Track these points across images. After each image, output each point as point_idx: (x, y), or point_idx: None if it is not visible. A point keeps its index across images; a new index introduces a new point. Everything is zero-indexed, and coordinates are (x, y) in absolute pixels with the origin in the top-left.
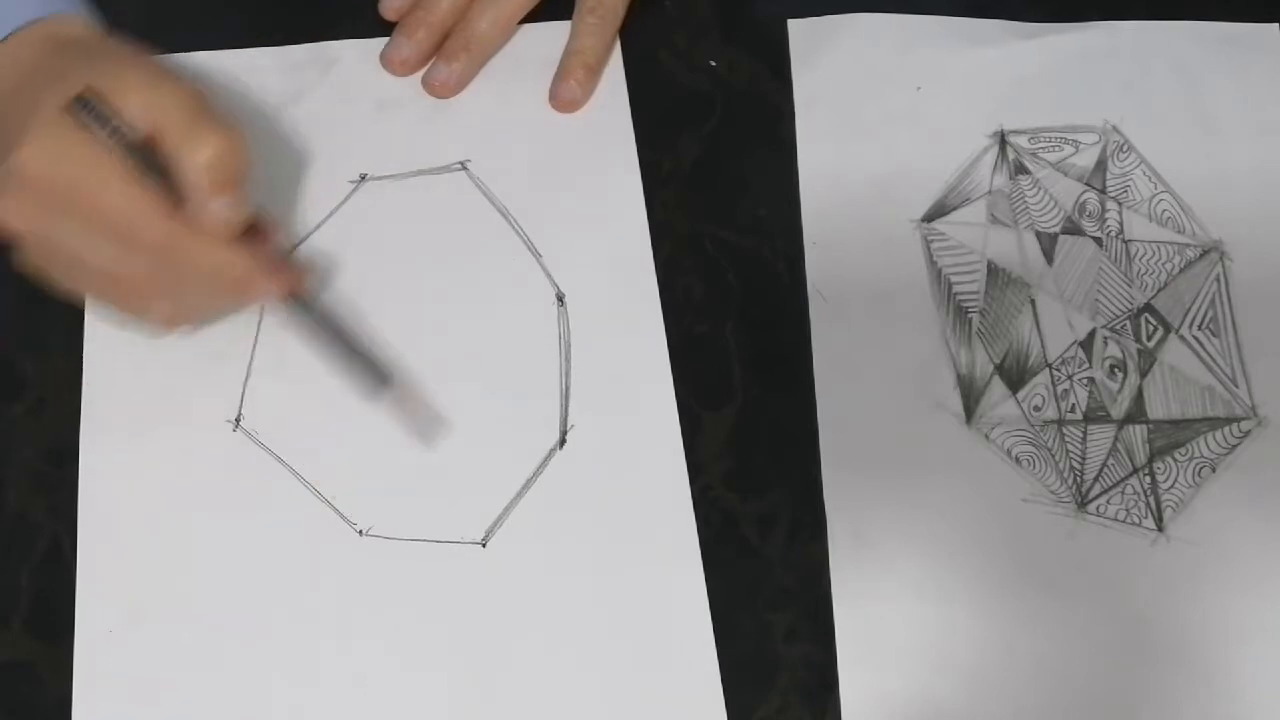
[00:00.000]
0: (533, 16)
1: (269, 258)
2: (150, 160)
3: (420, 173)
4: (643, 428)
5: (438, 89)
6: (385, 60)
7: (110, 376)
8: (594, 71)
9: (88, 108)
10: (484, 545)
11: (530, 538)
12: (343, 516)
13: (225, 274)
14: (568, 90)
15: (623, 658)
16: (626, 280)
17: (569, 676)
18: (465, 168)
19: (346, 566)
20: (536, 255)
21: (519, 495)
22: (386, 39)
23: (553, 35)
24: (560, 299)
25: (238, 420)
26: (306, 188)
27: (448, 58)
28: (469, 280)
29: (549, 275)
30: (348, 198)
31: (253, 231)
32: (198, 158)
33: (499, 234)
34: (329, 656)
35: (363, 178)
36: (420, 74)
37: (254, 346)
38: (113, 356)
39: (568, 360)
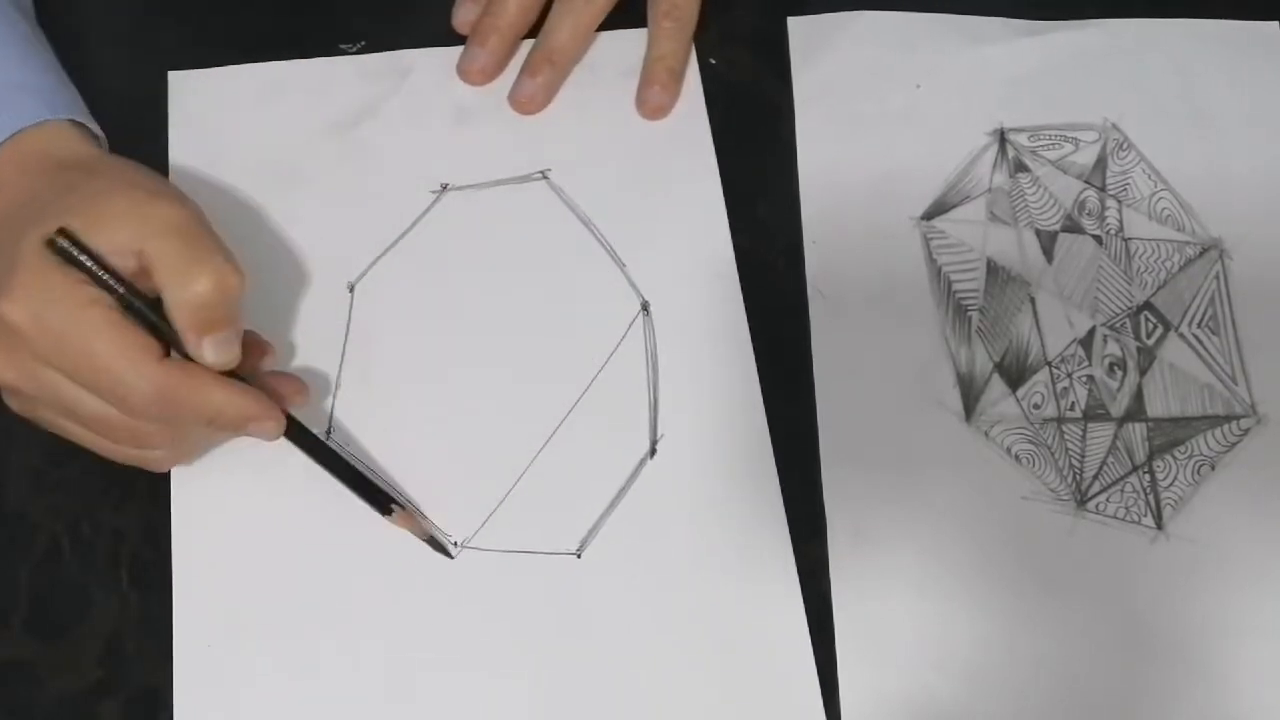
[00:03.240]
0: (605, 24)
1: (263, 392)
2: (139, 298)
3: (501, 182)
4: (732, 434)
5: (525, 104)
6: (462, 71)
7: None
8: (677, 76)
9: (69, 248)
10: (579, 556)
11: (624, 547)
12: (437, 529)
13: (222, 415)
14: (655, 96)
15: (720, 665)
16: (710, 287)
17: (667, 684)
18: (546, 177)
19: (443, 579)
20: (620, 264)
21: (612, 505)
22: (460, 47)
23: (625, 42)
24: (645, 308)
25: (328, 435)
26: (387, 199)
27: (531, 72)
28: (553, 291)
29: (633, 284)
30: (430, 208)
31: (247, 356)
32: (187, 296)
33: (581, 244)
34: (427, 669)
35: (444, 188)
36: (496, 81)
37: (341, 362)
38: None
39: (655, 369)
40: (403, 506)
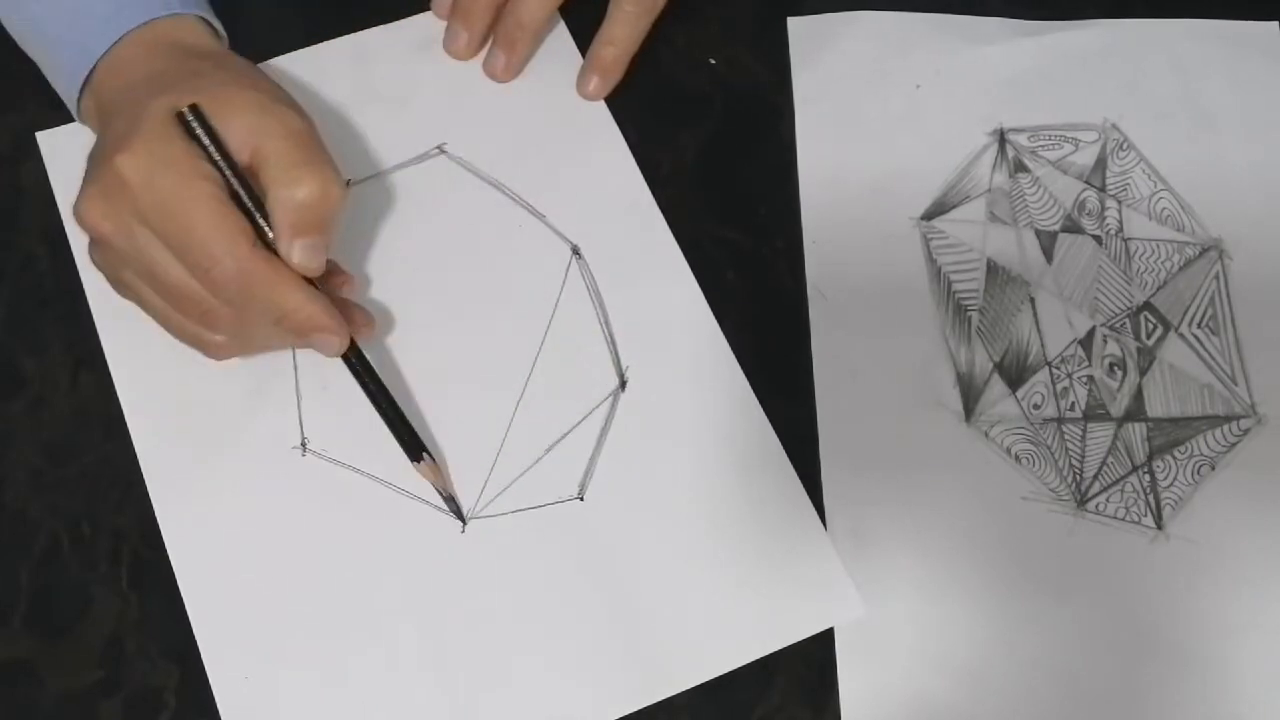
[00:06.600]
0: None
1: (336, 309)
2: (246, 188)
3: (401, 166)
4: (693, 351)
5: (500, 75)
6: (449, 49)
7: (160, 427)
8: (622, 63)
9: (194, 123)
10: (582, 499)
11: (622, 479)
12: (442, 510)
13: (292, 316)
14: (594, 85)
15: (739, 561)
16: (631, 218)
17: (694, 594)
18: (444, 151)
19: (462, 555)
20: (540, 216)
21: (599, 443)
22: (319, 44)
23: None
24: (576, 251)
25: (304, 445)
26: None
27: (504, 45)
28: (483, 256)
29: (558, 232)
30: None
31: (327, 279)
32: (291, 195)
33: (496, 205)
34: (461, 640)
35: (347, 183)
36: (369, 76)
37: (295, 375)
38: (155, 406)
39: (602, 306)
40: (433, 458)
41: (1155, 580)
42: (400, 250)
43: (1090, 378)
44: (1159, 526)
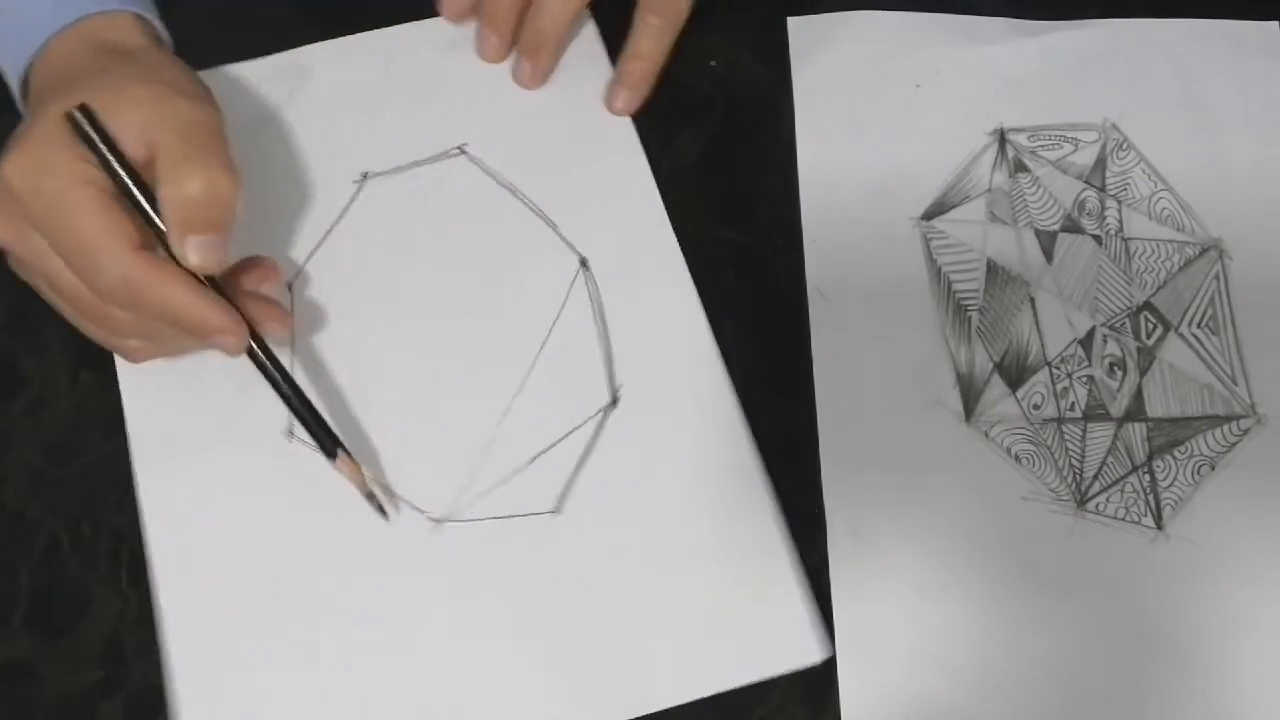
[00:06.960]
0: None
1: (232, 307)
2: (143, 185)
3: (420, 163)
4: (690, 374)
5: (527, 84)
6: (480, 53)
7: (152, 409)
8: (650, 78)
9: (81, 123)
10: (558, 513)
11: (601, 497)
12: (416, 509)
13: (183, 319)
14: (622, 101)
15: (706, 597)
16: (644, 235)
17: (658, 624)
18: (464, 151)
19: (429, 557)
20: (551, 225)
21: (583, 458)
22: (353, 35)
23: None
24: (584, 263)
25: (291, 430)
26: (310, 195)
27: (529, 55)
28: (491, 259)
29: (568, 242)
30: (354, 198)
31: (247, 273)
32: (179, 191)
33: (510, 209)
34: (425, 644)
35: (364, 176)
36: (398, 70)
37: (291, 362)
38: (151, 389)
39: (603, 321)
40: (349, 455)
41: (1155, 580)
42: (410, 246)
43: (1090, 378)
44: (1159, 526)
